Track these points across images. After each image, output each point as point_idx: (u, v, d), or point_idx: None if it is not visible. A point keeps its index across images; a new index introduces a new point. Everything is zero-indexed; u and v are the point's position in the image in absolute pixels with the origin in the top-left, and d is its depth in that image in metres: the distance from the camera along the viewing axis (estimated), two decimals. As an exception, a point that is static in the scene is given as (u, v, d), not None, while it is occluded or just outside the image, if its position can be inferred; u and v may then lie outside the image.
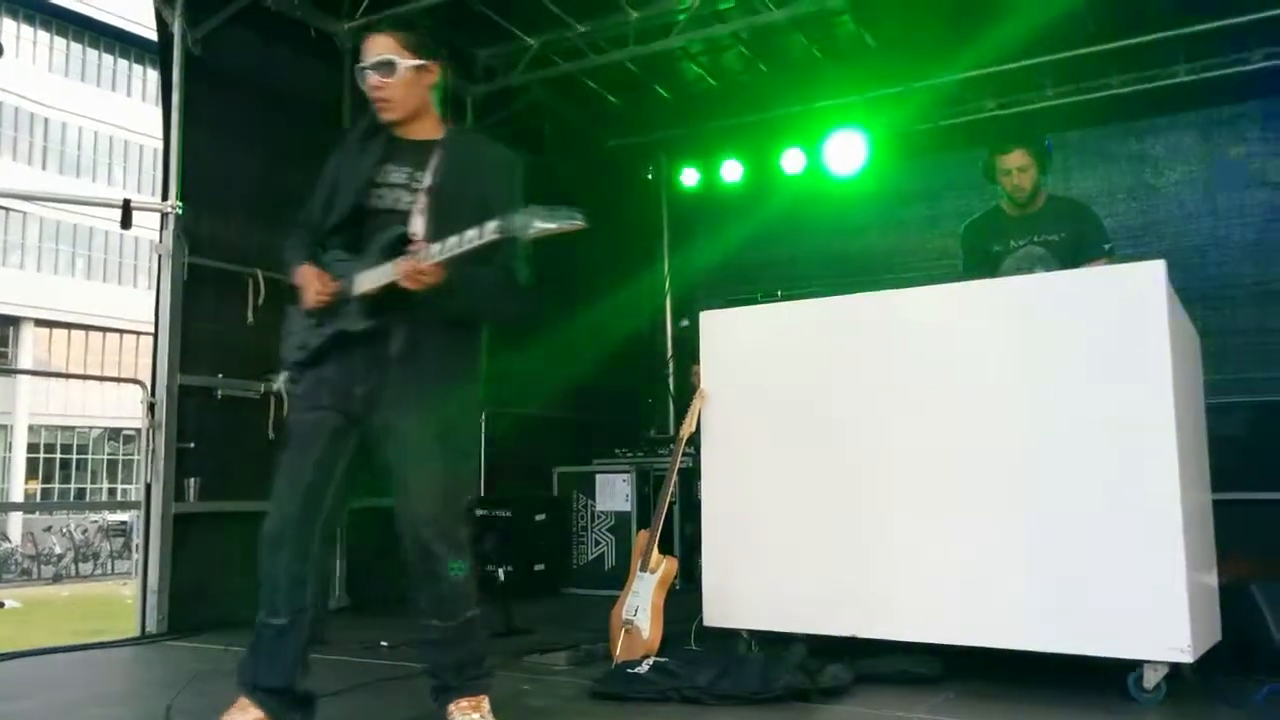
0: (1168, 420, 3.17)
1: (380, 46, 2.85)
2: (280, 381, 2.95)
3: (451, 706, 2.77)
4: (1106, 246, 4.31)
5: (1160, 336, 3.22)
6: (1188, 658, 3.07)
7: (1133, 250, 6.42)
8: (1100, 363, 3.30)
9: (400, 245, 2.74)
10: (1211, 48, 6.49)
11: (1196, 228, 7.01)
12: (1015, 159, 4.33)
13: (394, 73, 2.83)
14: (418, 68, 2.86)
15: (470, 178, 2.85)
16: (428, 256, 2.63)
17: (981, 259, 4.44)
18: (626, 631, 3.84)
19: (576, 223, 2.48)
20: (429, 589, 2.76)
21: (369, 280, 2.73)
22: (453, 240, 2.60)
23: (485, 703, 2.81)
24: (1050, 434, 3.35)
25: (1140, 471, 3.19)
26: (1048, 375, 3.39)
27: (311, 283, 2.78)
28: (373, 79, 2.84)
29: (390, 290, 2.70)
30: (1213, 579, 3.68)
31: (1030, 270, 4.23)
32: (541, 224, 2.48)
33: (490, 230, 2.54)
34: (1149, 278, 3.29)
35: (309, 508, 2.74)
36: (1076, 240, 4.27)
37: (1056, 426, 3.35)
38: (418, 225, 2.77)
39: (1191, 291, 5.44)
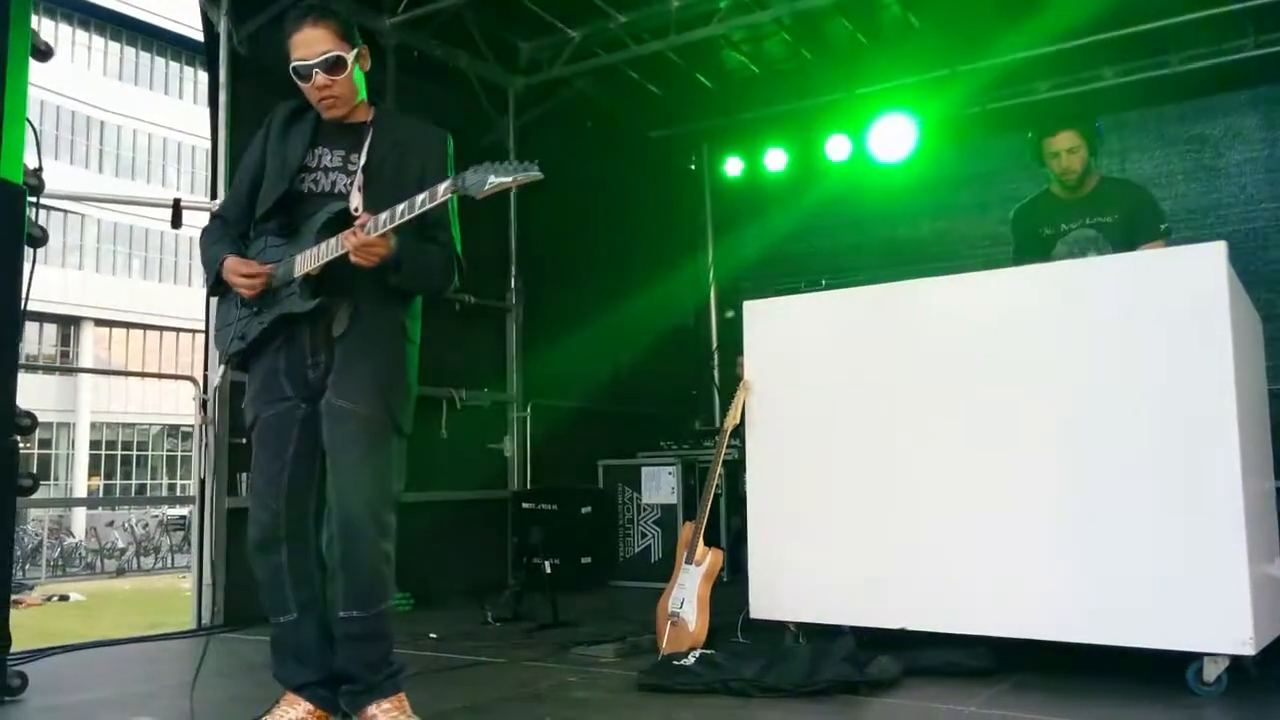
0: (1229, 406, 3.08)
1: (321, 41, 2.68)
2: (218, 376, 2.87)
3: (372, 709, 2.65)
4: (1162, 227, 4.18)
5: (1221, 320, 3.13)
6: (1250, 650, 2.98)
7: (1193, 234, 6.26)
8: (1160, 348, 3.21)
9: (340, 222, 2.66)
10: (1275, 21, 6.28)
11: (1258, 210, 6.81)
12: (1063, 140, 4.21)
13: (344, 69, 2.70)
14: (357, 57, 2.75)
15: (405, 156, 2.78)
16: (375, 227, 2.54)
17: (1033, 243, 4.34)
18: (673, 624, 3.83)
19: (534, 174, 2.38)
20: (350, 574, 2.65)
21: (311, 259, 2.65)
22: (401, 208, 2.52)
23: (405, 701, 2.71)
24: (1107, 421, 3.27)
25: (1200, 459, 3.10)
26: (1106, 361, 3.31)
27: (240, 271, 2.70)
28: (321, 79, 2.69)
29: (333, 268, 2.63)
30: (1276, 569, 3.57)
31: (1083, 254, 4.13)
32: (498, 178, 2.39)
33: (443, 191, 2.47)
34: (1210, 260, 3.19)
35: (298, 503, 2.70)
36: (1130, 221, 4.15)
37: (1113, 413, 3.26)
38: (357, 202, 2.70)
39: (1254, 275, 5.29)
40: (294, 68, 2.71)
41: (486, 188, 2.40)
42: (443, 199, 2.48)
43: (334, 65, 2.69)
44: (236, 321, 2.79)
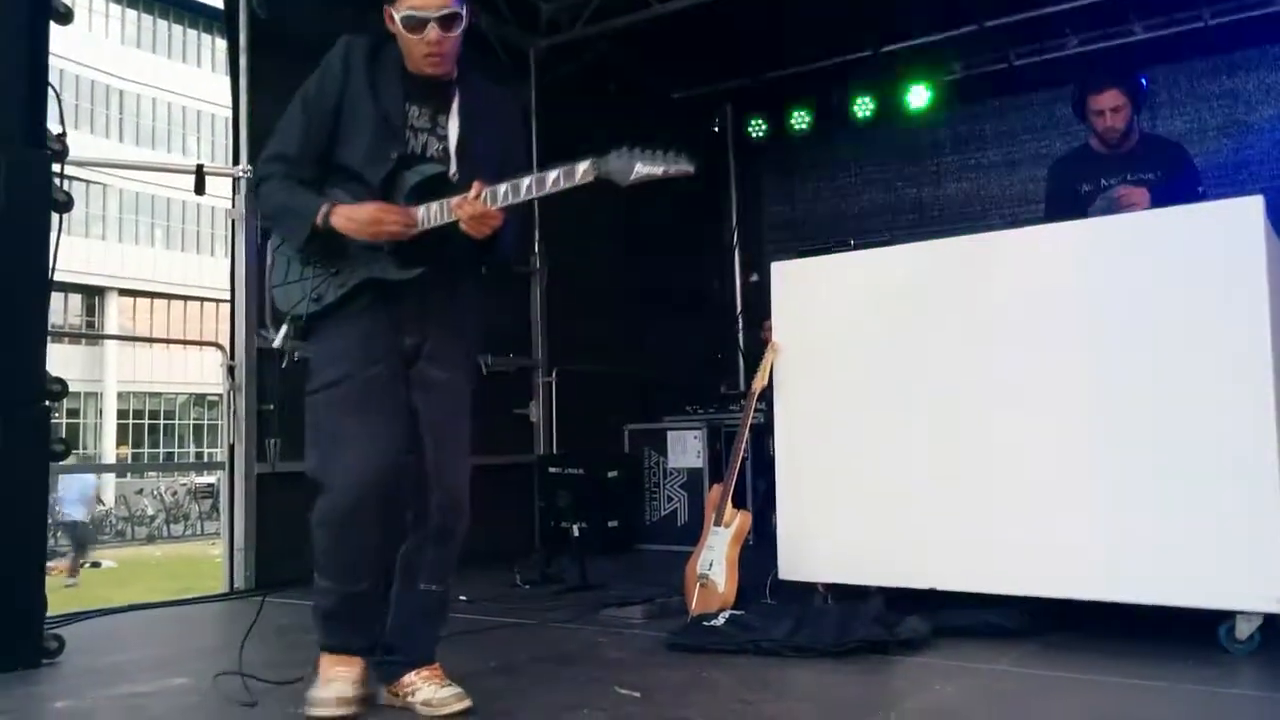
0: (1265, 360, 3.04)
1: None
2: (279, 338, 2.59)
3: (412, 676, 2.62)
4: (1200, 189, 4.12)
5: (1257, 275, 3.08)
6: (1286, 608, 2.95)
7: (1224, 190, 6.14)
8: (1195, 302, 3.17)
9: (434, 185, 2.54)
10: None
11: (1293, 165, 6.69)
12: (1109, 99, 4.13)
13: (459, 26, 2.57)
14: (467, 15, 2.64)
15: (491, 122, 2.69)
16: (494, 200, 2.43)
17: (1069, 199, 4.26)
18: (702, 585, 3.83)
19: (685, 167, 2.24)
20: (440, 548, 2.63)
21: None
22: (528, 182, 2.38)
23: (441, 670, 2.66)
24: (1140, 377, 3.24)
25: (1235, 413, 3.06)
26: (1138, 317, 3.26)
27: (390, 217, 2.49)
28: (435, 34, 2.53)
29: (431, 235, 2.51)
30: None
31: (1125, 210, 4.05)
32: (646, 167, 2.23)
33: (580, 174, 2.31)
34: (1246, 214, 3.14)
35: (390, 471, 2.55)
36: (1171, 181, 4.07)
37: (1146, 369, 3.23)
38: (455, 168, 2.60)
39: (1288, 230, 5.21)
40: (406, 17, 2.54)
41: (632, 177, 2.24)
42: (580, 181, 2.32)
43: (451, 20, 2.55)
44: (308, 279, 2.60)
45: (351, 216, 2.50)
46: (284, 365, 2.68)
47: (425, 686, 2.59)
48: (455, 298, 2.66)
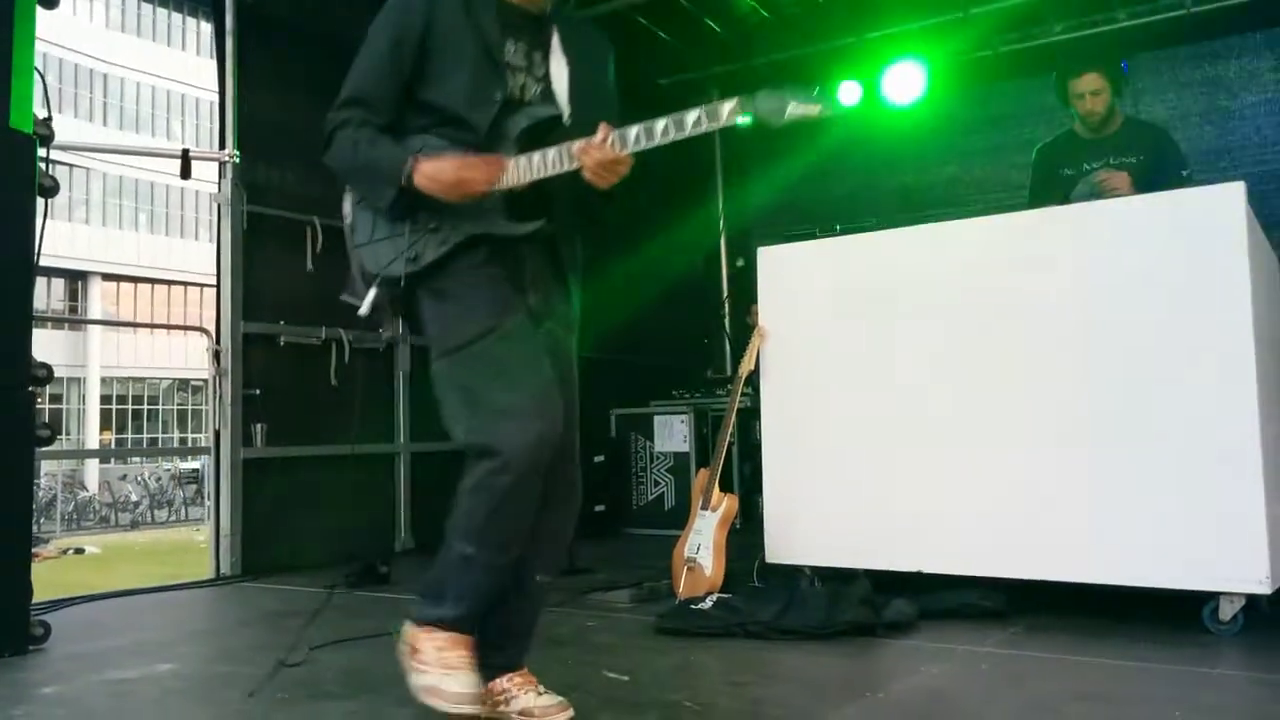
0: (1247, 345, 3.07)
1: None
2: (366, 303, 2.25)
3: (506, 682, 2.29)
4: (1184, 173, 4.16)
5: (1240, 260, 3.11)
6: (1266, 589, 3.00)
7: (1207, 177, 6.18)
8: (1177, 287, 3.20)
9: (549, 132, 2.25)
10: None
11: (1273, 153, 6.72)
12: (1089, 82, 4.16)
13: None
14: None
15: (591, 65, 2.41)
16: (623, 145, 2.12)
17: (1052, 183, 4.30)
18: (689, 569, 3.85)
19: (836, 109, 2.01)
20: (565, 532, 2.37)
21: (524, 170, 2.21)
22: (664, 124, 2.08)
23: (530, 674, 2.36)
24: (1123, 361, 3.27)
25: (1218, 397, 3.10)
26: (1121, 301, 3.29)
27: (474, 174, 2.18)
28: None
29: (544, 186, 2.24)
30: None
31: (1106, 195, 4.08)
32: (801, 108, 1.98)
33: (726, 114, 2.03)
34: (1228, 200, 3.18)
35: (562, 422, 2.22)
36: (1154, 165, 4.12)
37: (1129, 353, 3.26)
38: (568, 111, 2.31)
39: (1268, 218, 5.25)
40: None
41: (787, 116, 2.00)
42: (726, 123, 2.05)
43: None
44: (400, 236, 2.25)
45: (434, 177, 2.18)
46: (363, 314, 2.30)
47: (522, 693, 2.27)
48: (569, 254, 2.41)
